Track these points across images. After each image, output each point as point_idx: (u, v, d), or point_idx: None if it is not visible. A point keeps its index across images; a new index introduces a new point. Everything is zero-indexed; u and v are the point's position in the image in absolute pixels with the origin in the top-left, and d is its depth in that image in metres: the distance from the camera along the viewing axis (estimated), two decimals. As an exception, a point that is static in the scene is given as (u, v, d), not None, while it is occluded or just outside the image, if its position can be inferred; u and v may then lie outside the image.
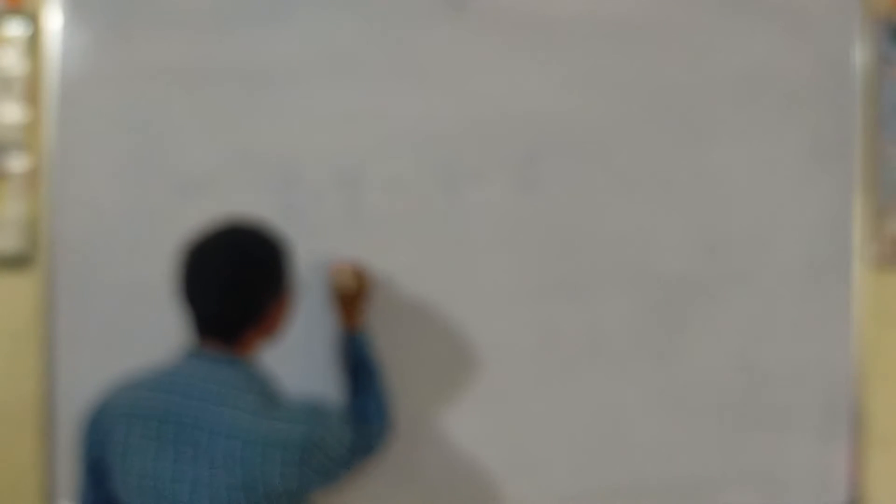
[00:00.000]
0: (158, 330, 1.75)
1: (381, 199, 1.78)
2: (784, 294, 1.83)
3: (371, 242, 1.78)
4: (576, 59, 1.80)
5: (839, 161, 1.84)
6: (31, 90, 1.84)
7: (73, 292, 1.78)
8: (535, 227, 1.80)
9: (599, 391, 1.81)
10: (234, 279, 1.34)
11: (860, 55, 1.84)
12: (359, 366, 1.68)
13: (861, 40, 1.84)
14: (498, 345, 1.80)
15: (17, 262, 1.86)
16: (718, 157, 1.82)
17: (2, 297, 1.87)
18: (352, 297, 1.69)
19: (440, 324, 1.79)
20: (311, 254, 1.75)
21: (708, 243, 1.82)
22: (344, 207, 1.78)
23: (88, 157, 1.77)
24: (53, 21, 1.78)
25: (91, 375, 1.79)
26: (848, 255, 1.84)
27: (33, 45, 1.83)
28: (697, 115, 1.82)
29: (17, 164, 1.85)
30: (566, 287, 1.81)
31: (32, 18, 1.83)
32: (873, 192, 1.88)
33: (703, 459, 1.83)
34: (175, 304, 1.68)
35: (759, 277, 1.83)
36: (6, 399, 1.87)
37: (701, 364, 1.82)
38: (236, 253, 1.35)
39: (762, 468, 1.84)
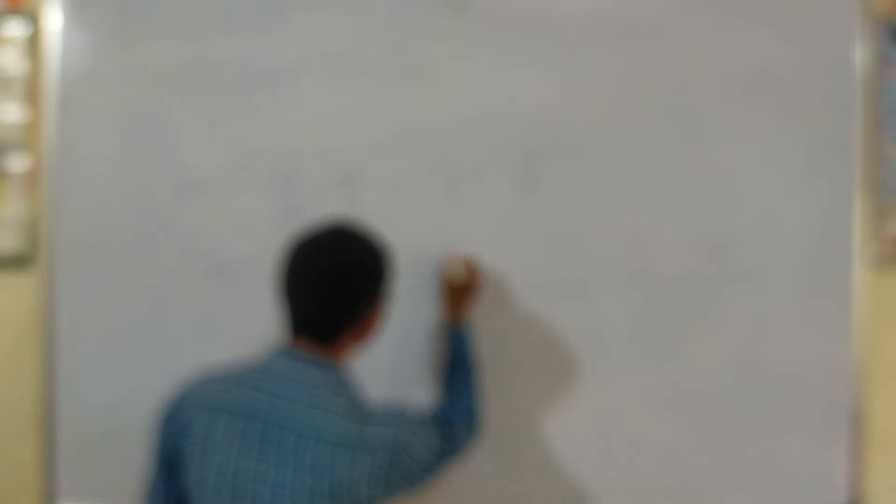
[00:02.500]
0: (158, 330, 1.76)
1: (381, 199, 1.78)
2: (784, 294, 1.83)
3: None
4: (576, 59, 1.80)
5: (839, 161, 1.84)
6: (31, 90, 1.84)
7: (73, 292, 1.79)
8: (535, 227, 1.80)
9: (599, 391, 1.81)
10: (337, 279, 1.31)
11: (860, 55, 1.84)
12: (457, 359, 1.66)
13: (861, 40, 1.84)
14: (497, 344, 1.80)
15: (17, 262, 1.86)
16: (718, 157, 1.82)
17: (2, 297, 1.87)
18: (461, 289, 1.69)
19: (439, 323, 1.79)
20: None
21: (708, 243, 1.82)
22: (344, 207, 1.77)
23: (88, 157, 1.77)
24: (53, 21, 1.78)
25: (91, 375, 1.79)
26: (848, 256, 1.84)
27: (33, 45, 1.83)
28: (697, 115, 1.82)
29: (17, 164, 1.85)
30: (565, 286, 1.81)
31: (32, 18, 1.84)
32: (873, 192, 1.88)
33: (703, 460, 1.83)
34: (175, 304, 1.68)
35: (760, 278, 1.83)
36: (6, 399, 1.87)
37: (700, 364, 1.82)
38: (341, 253, 1.33)
39: (762, 468, 1.84)
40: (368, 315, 1.35)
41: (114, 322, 1.78)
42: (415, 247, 1.77)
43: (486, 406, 1.75)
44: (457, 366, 1.66)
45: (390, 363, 1.78)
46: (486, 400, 1.78)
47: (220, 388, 1.33)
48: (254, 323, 1.74)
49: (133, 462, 1.62)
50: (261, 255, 1.76)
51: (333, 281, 1.31)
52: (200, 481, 1.29)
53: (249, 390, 1.30)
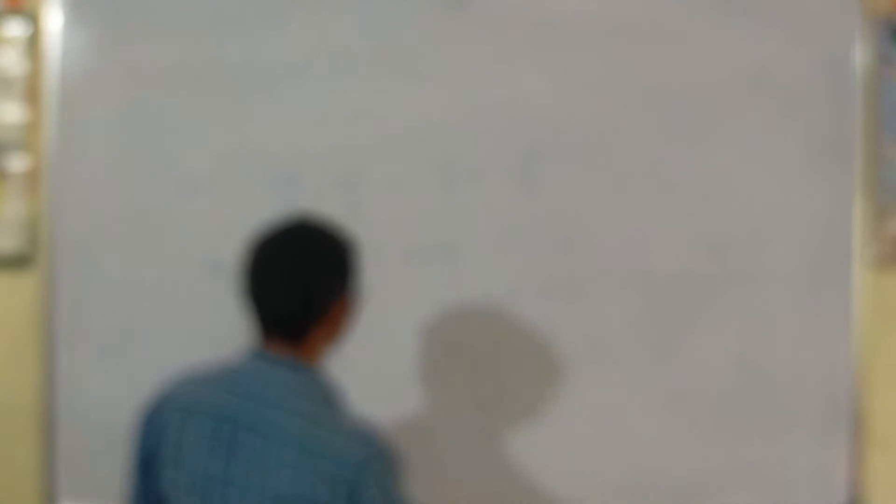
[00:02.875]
0: (158, 330, 1.76)
1: (381, 199, 1.78)
2: (784, 294, 1.83)
3: (371, 242, 1.77)
4: (575, 59, 1.80)
5: (839, 161, 1.84)
6: (31, 90, 1.84)
7: (73, 292, 1.79)
8: (534, 227, 1.80)
9: (599, 391, 1.81)
10: (300, 275, 1.29)
11: (860, 55, 1.84)
12: None
13: (861, 40, 1.84)
14: (497, 344, 1.80)
15: (17, 262, 1.86)
16: (718, 157, 1.82)
17: (2, 297, 1.87)
18: None
19: (439, 323, 1.79)
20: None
21: (708, 243, 1.82)
22: (344, 207, 1.77)
23: (88, 157, 1.77)
24: (53, 21, 1.78)
25: (91, 375, 1.79)
26: (848, 256, 1.84)
27: (33, 45, 1.83)
28: (697, 115, 1.82)
29: (17, 164, 1.85)
30: (565, 286, 1.81)
31: (32, 18, 1.84)
32: (873, 192, 1.88)
33: (703, 459, 1.83)
34: (174, 304, 1.68)
35: (759, 278, 1.83)
36: (6, 399, 1.87)
37: (700, 364, 1.82)
38: (303, 248, 1.31)
39: (762, 468, 1.83)
40: (336, 311, 1.32)
41: (114, 322, 1.78)
42: (414, 246, 1.78)
43: (483, 406, 1.75)
44: None
45: (389, 362, 1.78)
46: (486, 400, 1.78)
47: (195, 389, 1.33)
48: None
49: (133, 462, 1.62)
50: (261, 255, 1.76)
51: (297, 276, 1.29)
52: (174, 482, 1.30)
53: (222, 392, 1.30)
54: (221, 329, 1.77)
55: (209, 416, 1.29)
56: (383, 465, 1.25)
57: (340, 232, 1.36)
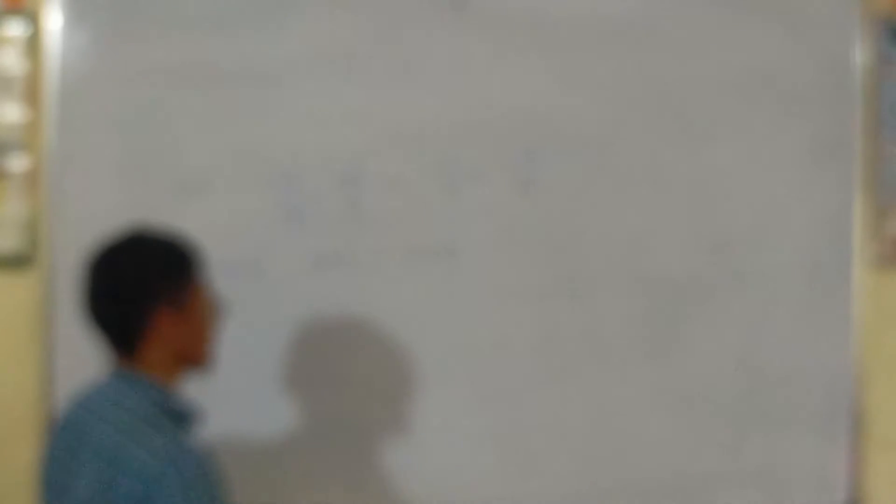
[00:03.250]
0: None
1: (381, 199, 1.78)
2: (784, 294, 1.83)
3: (371, 242, 1.78)
4: (575, 59, 1.80)
5: (839, 161, 1.84)
6: (31, 90, 1.84)
7: (73, 292, 1.78)
8: (534, 227, 1.80)
9: (599, 391, 1.81)
10: (109, 289, 1.32)
11: (860, 55, 1.84)
12: None
13: (861, 40, 1.84)
14: (497, 344, 1.80)
15: (17, 262, 1.86)
16: (718, 157, 1.82)
17: (2, 297, 1.87)
18: None
19: (439, 323, 1.79)
20: (312, 253, 1.75)
21: (708, 243, 1.82)
22: (344, 207, 1.77)
23: (88, 157, 1.77)
24: (53, 21, 1.78)
25: (91, 375, 1.78)
26: (848, 255, 1.84)
27: (33, 45, 1.83)
28: (697, 115, 1.82)
29: (17, 164, 1.85)
30: (565, 286, 1.81)
31: (32, 18, 1.83)
32: (873, 192, 1.88)
33: (703, 459, 1.83)
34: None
35: (759, 277, 1.83)
36: (6, 399, 1.87)
37: (701, 364, 1.82)
38: (111, 261, 1.32)
39: (762, 468, 1.84)
40: (159, 321, 1.30)
41: (114, 322, 1.78)
42: (414, 246, 1.78)
43: (483, 406, 1.75)
44: None
45: (389, 362, 1.78)
46: (486, 400, 1.78)
47: (68, 405, 1.38)
48: (254, 323, 1.74)
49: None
50: (261, 255, 1.76)
51: (107, 293, 1.32)
52: (42, 496, 1.35)
53: (77, 406, 1.35)
54: (221, 328, 1.76)
55: (64, 429, 1.34)
56: (180, 482, 1.20)
57: (166, 240, 1.35)
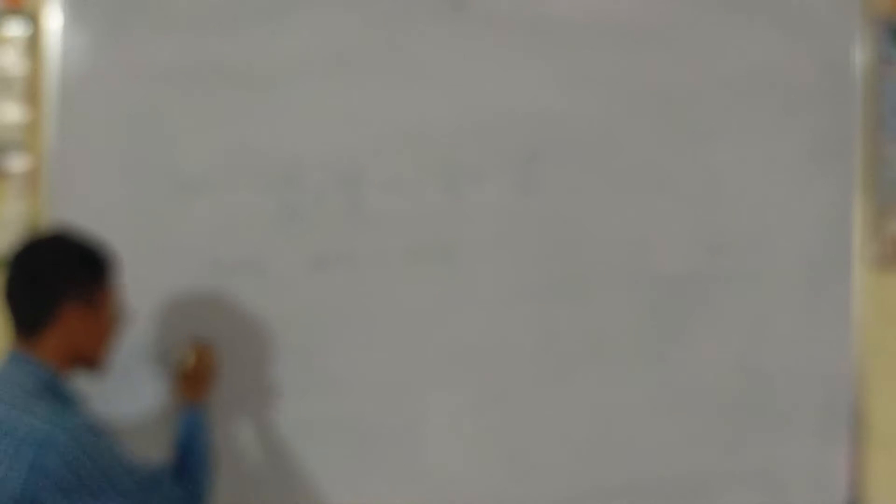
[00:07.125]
0: (157, 330, 1.75)
1: (381, 199, 1.78)
2: (784, 294, 1.83)
3: (371, 242, 1.78)
4: (576, 59, 1.80)
5: (839, 161, 1.84)
6: (31, 90, 1.84)
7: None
8: (534, 227, 1.80)
9: (599, 391, 1.81)
10: (17, 280, 1.42)
11: (860, 55, 1.84)
12: (185, 445, 1.61)
13: (861, 40, 1.84)
14: (497, 345, 1.80)
15: (17, 262, 1.86)
16: (718, 157, 1.82)
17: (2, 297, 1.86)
18: (192, 375, 1.67)
19: (439, 324, 1.79)
20: (312, 253, 1.75)
21: (708, 244, 1.82)
22: (344, 207, 1.77)
23: (88, 157, 1.77)
24: (53, 21, 1.78)
25: (90, 375, 1.78)
26: (848, 256, 1.84)
27: (33, 45, 1.83)
28: (697, 115, 1.82)
29: (17, 164, 1.85)
30: (565, 287, 1.81)
31: (32, 18, 1.83)
32: (873, 192, 1.88)
33: (703, 460, 1.83)
34: (174, 304, 1.67)
35: (759, 278, 1.83)
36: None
37: (700, 364, 1.82)
38: (30, 256, 1.44)
39: (762, 468, 1.84)
40: (66, 315, 1.40)
41: (114, 322, 1.78)
42: (414, 246, 1.78)
43: (483, 407, 1.75)
44: (185, 452, 1.61)
45: (389, 362, 1.78)
46: (486, 400, 1.78)
47: None
48: (254, 323, 1.74)
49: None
50: (261, 255, 1.76)
51: (20, 278, 1.42)
52: None
53: None
54: (222, 328, 1.77)
55: None
56: (73, 445, 1.29)
57: (84, 243, 1.45)
